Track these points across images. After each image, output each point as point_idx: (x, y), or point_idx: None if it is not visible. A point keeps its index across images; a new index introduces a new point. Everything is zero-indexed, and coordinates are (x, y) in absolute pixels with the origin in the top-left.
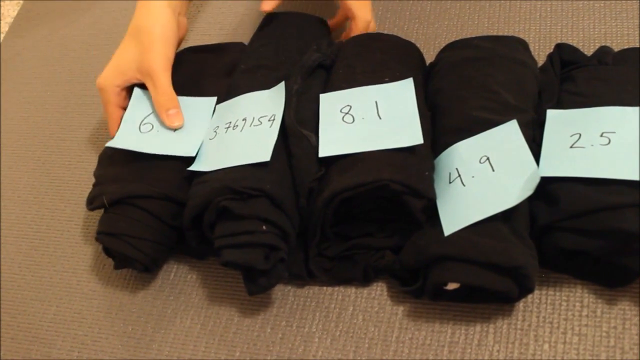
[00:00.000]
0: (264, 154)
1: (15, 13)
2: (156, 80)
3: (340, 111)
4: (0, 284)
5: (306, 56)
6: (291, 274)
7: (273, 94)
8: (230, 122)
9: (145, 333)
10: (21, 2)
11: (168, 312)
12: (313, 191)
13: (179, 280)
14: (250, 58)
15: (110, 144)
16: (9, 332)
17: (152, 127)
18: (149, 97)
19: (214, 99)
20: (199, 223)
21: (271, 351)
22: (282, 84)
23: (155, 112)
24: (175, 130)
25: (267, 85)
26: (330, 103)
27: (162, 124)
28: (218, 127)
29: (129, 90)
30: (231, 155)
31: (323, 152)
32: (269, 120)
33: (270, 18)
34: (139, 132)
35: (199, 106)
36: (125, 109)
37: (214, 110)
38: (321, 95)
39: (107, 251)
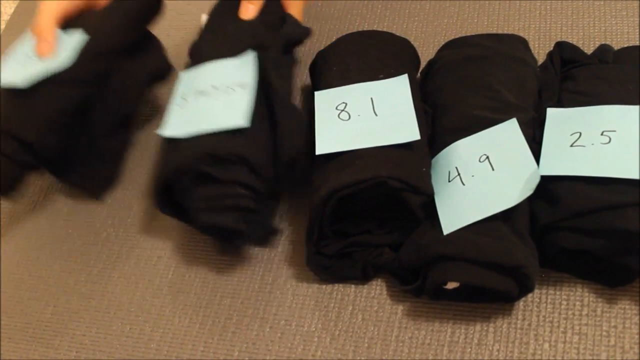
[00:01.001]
0: (241, 120)
1: (12, 10)
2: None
3: (336, 108)
4: None
5: (288, 28)
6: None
7: (244, 62)
8: (199, 90)
9: (143, 332)
10: (18, 0)
11: (166, 312)
12: (296, 161)
13: (178, 280)
14: (212, 29)
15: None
16: (7, 332)
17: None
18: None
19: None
20: (170, 189)
21: (270, 350)
22: (252, 53)
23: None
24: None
25: (234, 53)
26: (325, 100)
27: None
28: (186, 94)
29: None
30: (206, 120)
31: (320, 149)
32: (242, 88)
33: None
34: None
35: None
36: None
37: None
38: (316, 93)
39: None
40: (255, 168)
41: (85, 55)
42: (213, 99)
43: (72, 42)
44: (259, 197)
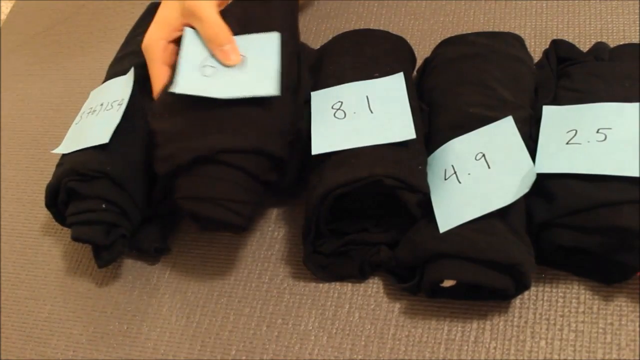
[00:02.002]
0: (104, 137)
1: (8, 10)
2: (202, 14)
3: (332, 107)
4: None
5: None
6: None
7: (125, 79)
8: (91, 108)
9: (140, 332)
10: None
11: (164, 311)
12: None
13: (175, 279)
14: (127, 45)
15: (175, 89)
16: (4, 331)
17: (216, 69)
18: (202, 40)
19: (277, 33)
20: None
21: (267, 349)
22: (131, 71)
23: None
24: (238, 68)
25: (127, 71)
26: (321, 100)
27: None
28: (84, 112)
29: (176, 45)
30: (81, 139)
31: (316, 150)
32: (117, 105)
33: (153, 7)
34: (201, 76)
35: (262, 41)
36: (172, 67)
37: (280, 46)
38: (312, 93)
39: (192, 215)
40: (118, 182)
41: (291, 57)
42: (96, 116)
43: (269, 43)
44: (125, 212)
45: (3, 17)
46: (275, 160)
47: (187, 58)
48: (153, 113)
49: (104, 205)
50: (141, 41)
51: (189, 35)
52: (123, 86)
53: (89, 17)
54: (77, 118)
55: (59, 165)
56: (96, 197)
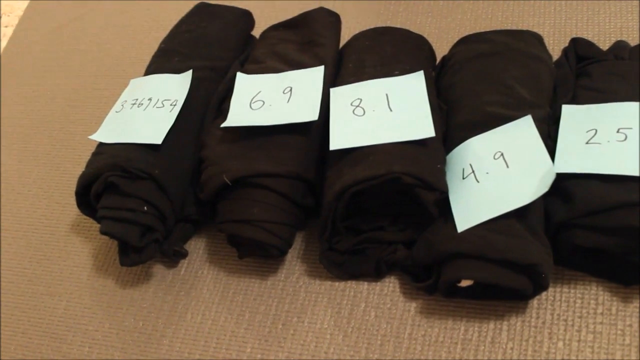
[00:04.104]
0: (157, 137)
1: (25, 6)
2: None
3: (351, 104)
4: (10, 279)
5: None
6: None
7: (180, 80)
8: (137, 99)
9: (156, 329)
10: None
11: (179, 308)
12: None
13: (190, 276)
14: (173, 41)
15: (225, 124)
16: (20, 326)
17: (263, 103)
18: (253, 80)
19: (322, 67)
20: (89, 190)
21: (282, 348)
22: (189, 72)
23: (264, 90)
24: (285, 100)
25: (179, 71)
26: (340, 96)
27: (274, 98)
28: (126, 101)
29: None
30: (128, 132)
31: (334, 145)
32: (170, 105)
33: (202, 6)
34: (250, 110)
35: (309, 75)
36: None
37: (323, 78)
38: (331, 90)
39: (232, 239)
40: (163, 187)
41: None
42: (143, 110)
43: (317, 74)
44: (163, 217)
45: (20, 12)
46: (310, 185)
47: (238, 98)
48: (202, 144)
49: (145, 208)
50: (189, 39)
51: (240, 79)
52: (177, 87)
53: (104, 15)
54: (118, 106)
55: (96, 154)
56: (138, 198)
